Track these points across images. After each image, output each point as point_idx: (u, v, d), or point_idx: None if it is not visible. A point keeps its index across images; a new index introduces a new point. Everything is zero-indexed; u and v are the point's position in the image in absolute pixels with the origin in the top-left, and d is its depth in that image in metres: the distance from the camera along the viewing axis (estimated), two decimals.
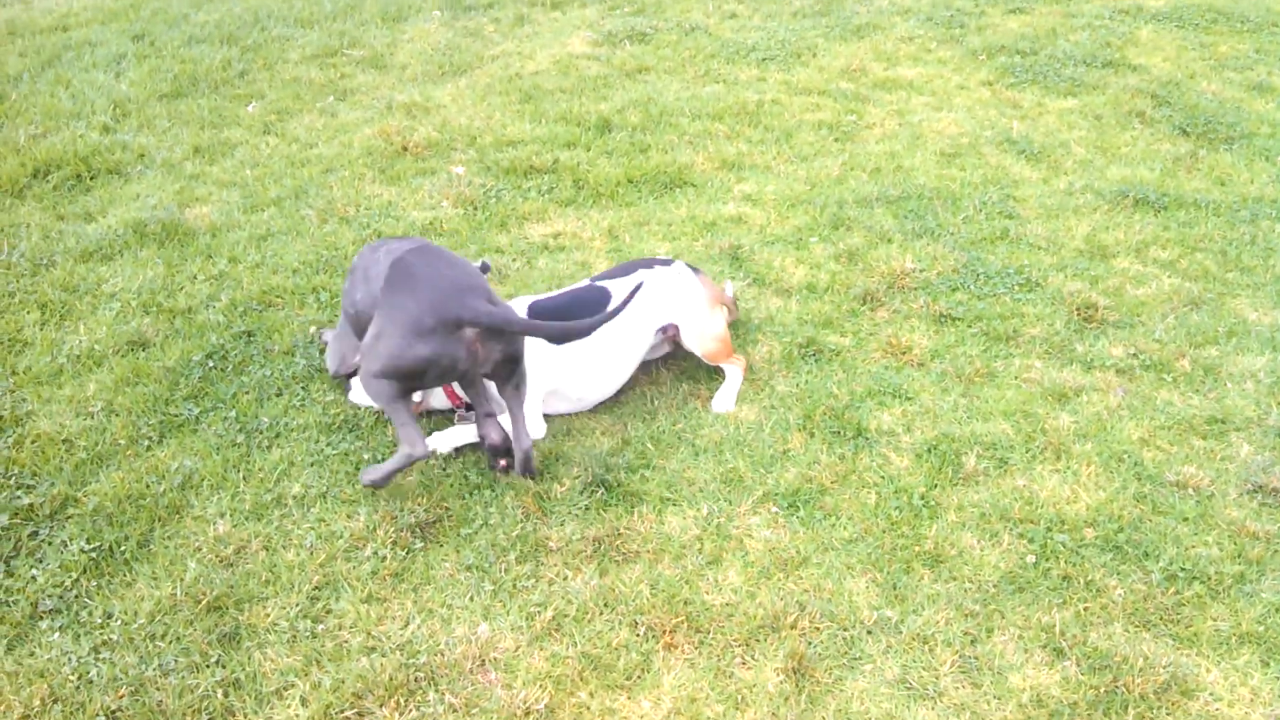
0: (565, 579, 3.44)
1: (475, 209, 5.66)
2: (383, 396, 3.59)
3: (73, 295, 4.92)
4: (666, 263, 4.40)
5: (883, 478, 3.82)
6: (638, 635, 3.23)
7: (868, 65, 7.72)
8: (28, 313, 4.79)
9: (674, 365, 4.41)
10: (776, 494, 3.75)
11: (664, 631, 3.23)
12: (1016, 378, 4.33)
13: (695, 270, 4.44)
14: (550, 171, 6.03)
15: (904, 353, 4.47)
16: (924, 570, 3.44)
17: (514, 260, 5.17)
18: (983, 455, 3.90)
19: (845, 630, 3.23)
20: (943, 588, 3.37)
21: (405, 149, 6.38)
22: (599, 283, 4.21)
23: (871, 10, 8.96)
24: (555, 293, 4.29)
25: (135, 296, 4.89)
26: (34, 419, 4.13)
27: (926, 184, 5.90)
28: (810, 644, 3.18)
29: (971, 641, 3.19)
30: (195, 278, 5.06)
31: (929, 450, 3.93)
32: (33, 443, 4.01)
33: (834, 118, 6.80)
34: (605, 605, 3.33)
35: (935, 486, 3.78)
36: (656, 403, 4.20)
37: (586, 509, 3.70)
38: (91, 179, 6.10)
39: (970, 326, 4.64)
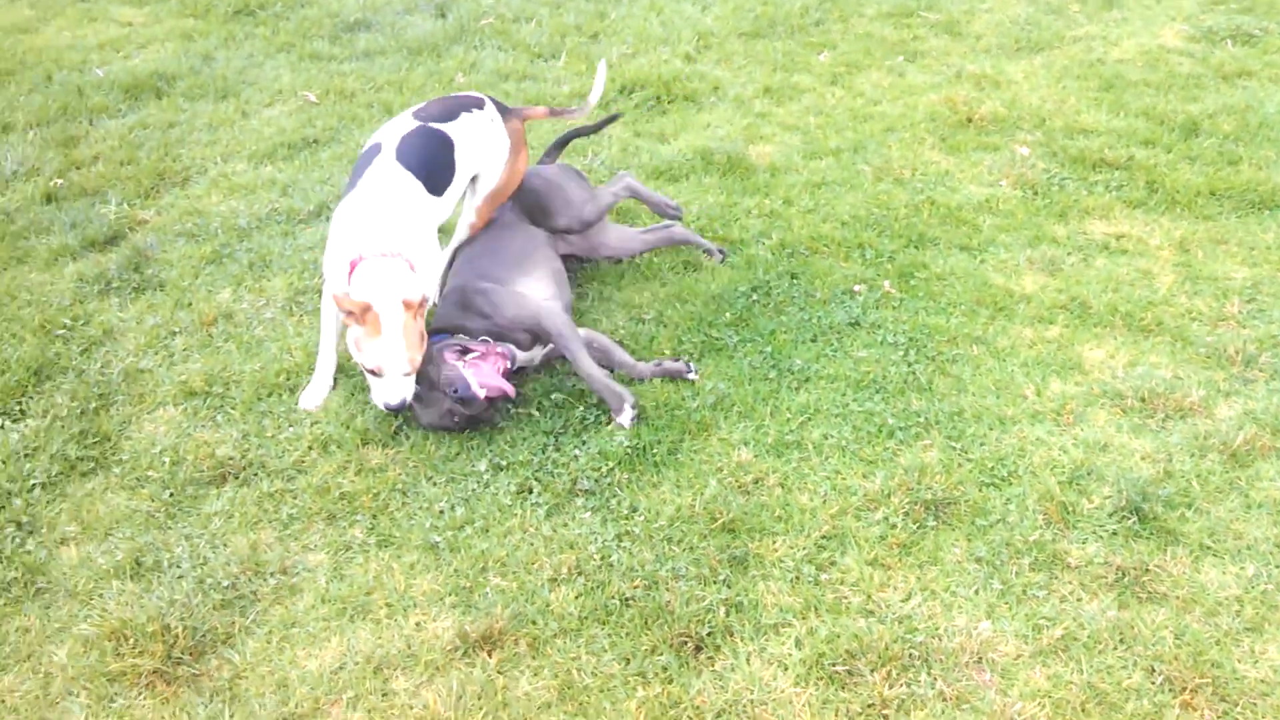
0: (1080, 600, 3.23)
1: (1035, 194, 5.43)
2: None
3: (641, 207, 5.26)
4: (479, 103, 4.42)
5: None
6: (1153, 683, 2.98)
7: None
8: None
9: (1236, 401, 3.99)
10: None
11: (1184, 689, 2.96)
12: None
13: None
14: (1123, 168, 5.64)
15: None
16: None
17: (1069, 255, 4.90)
18: None
19: None
20: None
21: (969, 120, 6.22)
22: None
23: None
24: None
25: (694, 220, 5.14)
26: (593, 315, 4.46)
27: None
28: None
29: None
30: (750, 212, 5.24)
31: None
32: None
33: None
34: (1121, 641, 3.10)
35: None
36: (1210, 439, 3.83)
37: (1114, 534, 3.45)
38: (669, 102, 6.48)
39: None
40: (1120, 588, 3.27)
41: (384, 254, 3.73)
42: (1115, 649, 3.08)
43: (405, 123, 4.18)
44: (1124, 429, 3.89)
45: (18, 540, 3.53)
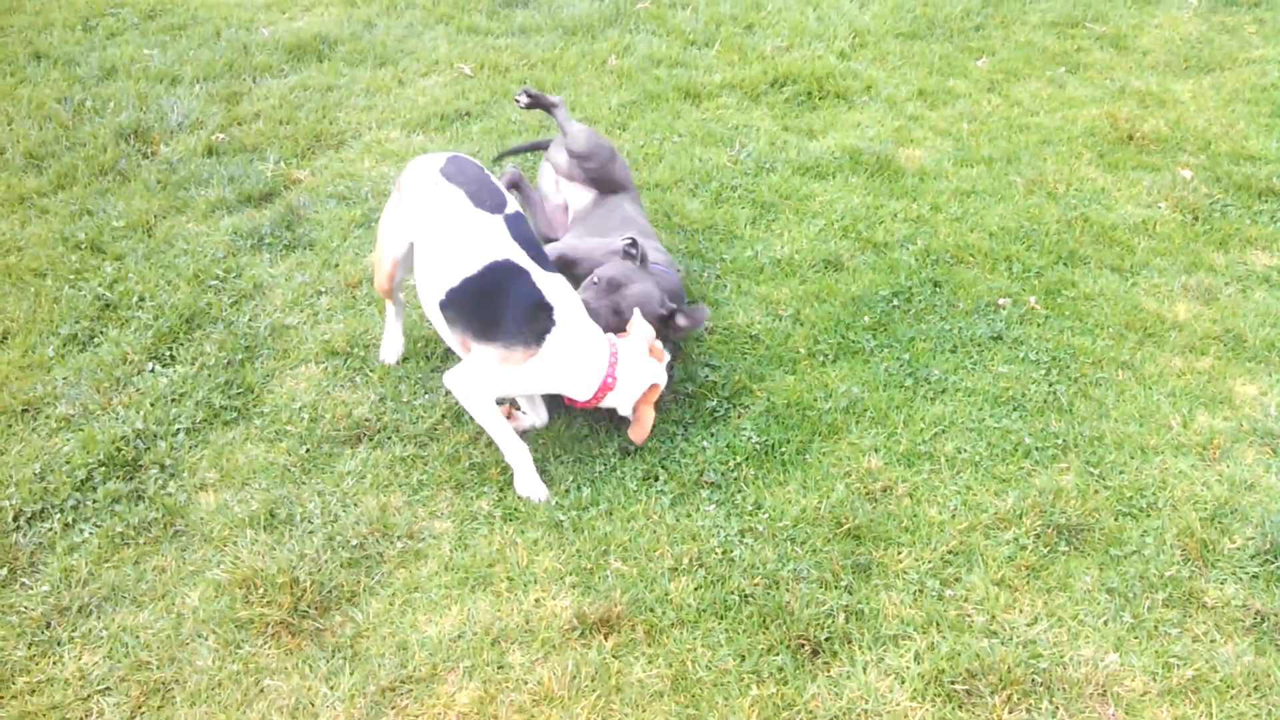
0: (1214, 642, 3.12)
1: (1195, 219, 5.23)
2: None
3: (785, 202, 5.21)
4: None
5: None
6: None
7: None
8: (743, 209, 5.16)
9: None
10: None
11: None
12: None
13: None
14: None
15: None
16: None
17: (1227, 284, 4.72)
18: None
19: None
20: None
21: (1130, 138, 6.02)
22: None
23: None
24: None
25: (839, 219, 5.08)
26: (729, 308, 4.44)
27: None
28: None
29: None
30: (896, 215, 5.16)
31: None
32: (724, 329, 4.32)
33: None
34: (1255, 688, 2.98)
35: None
36: None
37: (1255, 577, 3.32)
38: (820, 99, 6.40)
39: None
40: (1258, 633, 3.15)
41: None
42: (1248, 695, 2.96)
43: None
44: (1273, 469, 3.74)
45: (160, 482, 3.65)
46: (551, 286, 3.56)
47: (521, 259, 3.57)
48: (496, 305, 3.53)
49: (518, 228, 3.66)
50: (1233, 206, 5.33)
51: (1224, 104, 6.52)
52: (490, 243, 3.58)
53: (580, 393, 3.62)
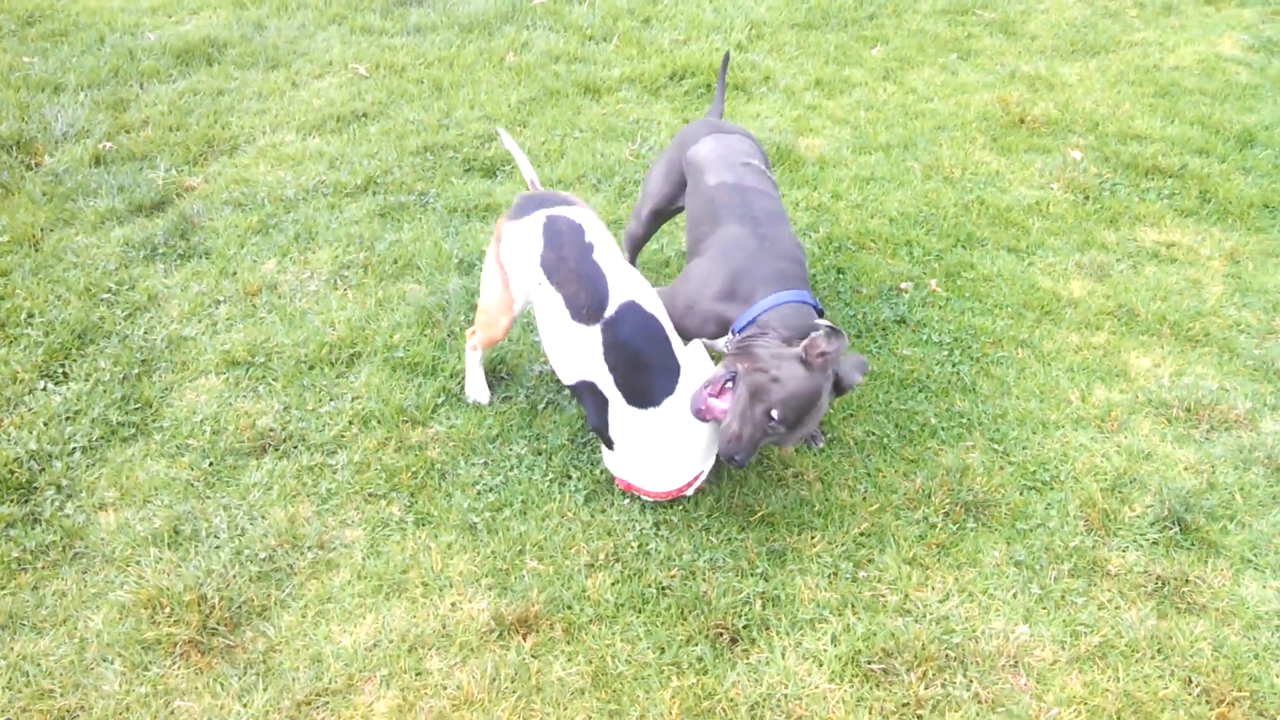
0: (1118, 608, 3.20)
1: (1086, 198, 5.36)
2: None
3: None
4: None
5: None
6: (1189, 694, 2.94)
7: None
8: None
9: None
10: None
11: (1221, 701, 2.92)
12: None
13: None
14: (1175, 176, 5.57)
15: None
16: None
17: (1118, 261, 4.84)
18: None
19: None
20: None
21: (1022, 121, 6.15)
22: None
23: None
24: None
25: None
26: None
27: None
28: None
29: None
30: (798, 204, 5.20)
31: None
32: None
33: None
34: (1158, 651, 3.06)
35: None
36: (1255, 452, 3.78)
37: (1155, 543, 3.41)
38: None
39: None
40: (1159, 597, 3.23)
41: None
42: (1152, 658, 3.05)
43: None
44: (1168, 438, 3.84)
45: (57, 503, 3.54)
46: (622, 421, 3.36)
47: (607, 386, 3.34)
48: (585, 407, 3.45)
49: (616, 336, 3.32)
50: (1121, 185, 5.47)
51: (1110, 85, 6.69)
52: (583, 360, 3.36)
53: (651, 486, 3.45)
